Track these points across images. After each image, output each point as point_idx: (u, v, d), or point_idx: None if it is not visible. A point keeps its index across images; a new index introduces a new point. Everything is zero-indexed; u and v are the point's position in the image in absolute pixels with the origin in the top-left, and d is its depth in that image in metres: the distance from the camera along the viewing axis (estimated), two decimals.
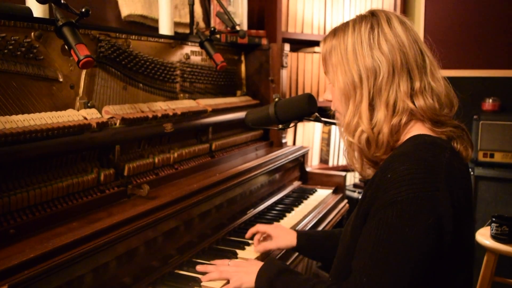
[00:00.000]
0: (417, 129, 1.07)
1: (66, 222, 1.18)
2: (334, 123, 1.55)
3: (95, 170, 1.35)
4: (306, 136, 3.11)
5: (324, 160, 3.25)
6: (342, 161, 3.25)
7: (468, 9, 3.31)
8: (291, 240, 1.47)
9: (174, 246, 1.38)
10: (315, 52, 3.00)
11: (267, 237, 1.53)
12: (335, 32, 1.16)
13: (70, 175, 1.27)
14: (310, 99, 1.40)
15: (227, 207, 1.68)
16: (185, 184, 1.58)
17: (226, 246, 1.54)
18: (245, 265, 1.28)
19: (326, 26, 3.05)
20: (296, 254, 1.63)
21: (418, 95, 1.06)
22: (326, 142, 3.22)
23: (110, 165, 1.41)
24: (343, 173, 2.43)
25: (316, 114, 1.50)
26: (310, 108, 1.40)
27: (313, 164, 3.19)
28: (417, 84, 1.06)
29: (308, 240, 1.48)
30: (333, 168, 3.19)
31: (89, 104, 1.44)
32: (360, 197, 2.91)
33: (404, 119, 1.06)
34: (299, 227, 1.80)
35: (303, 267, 2.44)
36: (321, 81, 3.07)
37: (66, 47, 1.28)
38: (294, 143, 2.99)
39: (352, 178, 3.33)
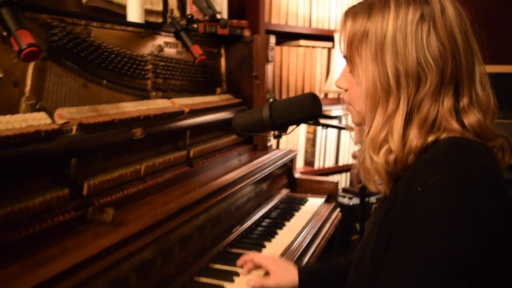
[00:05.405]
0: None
1: (3, 266, 0.89)
2: (343, 128, 1.31)
3: (44, 191, 1.06)
4: (290, 136, 2.87)
5: (309, 162, 3.02)
6: (328, 163, 3.03)
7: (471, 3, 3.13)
8: (292, 278, 1.23)
9: (148, 283, 1.11)
10: (300, 46, 2.76)
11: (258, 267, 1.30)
12: (371, 9, 0.89)
13: (10, 199, 0.98)
14: (314, 99, 1.15)
15: (211, 228, 1.42)
16: (160, 202, 1.31)
17: (211, 278, 1.28)
18: None
19: (312, 17, 2.81)
20: None
21: (467, 111, 0.86)
22: (311, 142, 2.99)
23: (65, 184, 1.12)
24: (335, 179, 2.19)
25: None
26: (315, 111, 1.15)
27: (297, 167, 2.95)
28: (465, 101, 0.86)
29: (312, 277, 1.24)
30: (319, 171, 2.97)
31: (37, 106, 1.15)
32: (352, 205, 2.66)
33: (442, 137, 0.86)
34: (294, 246, 1.55)
35: None
36: (307, 77, 2.83)
37: (6, 33, 1.01)
38: (278, 146, 2.74)
39: (341, 183, 3.12)
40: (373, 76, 0.88)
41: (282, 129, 1.21)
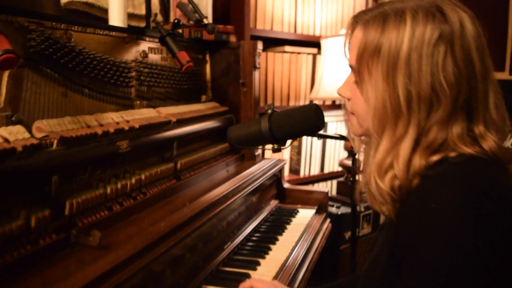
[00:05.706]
0: None
1: None
2: (344, 138, 1.24)
3: (22, 213, 0.95)
4: None
5: (294, 170, 2.95)
6: (314, 171, 2.97)
7: None
8: None
9: None
10: (285, 52, 2.69)
11: None
12: (385, 21, 0.82)
13: None
14: (317, 111, 1.08)
15: (203, 246, 1.33)
16: (148, 220, 1.22)
17: None
18: None
19: (297, 23, 2.75)
20: None
21: (484, 136, 0.83)
22: (296, 150, 2.93)
23: (45, 203, 1.01)
24: (325, 189, 2.13)
25: None
26: (318, 123, 1.08)
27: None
28: (481, 127, 0.83)
29: None
30: (305, 179, 2.91)
31: (13, 119, 1.04)
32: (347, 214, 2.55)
33: (451, 155, 0.82)
34: (289, 263, 1.47)
35: None
36: (292, 84, 2.77)
37: None
38: (263, 154, 2.66)
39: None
40: (382, 96, 0.83)
41: (281, 142, 1.13)
